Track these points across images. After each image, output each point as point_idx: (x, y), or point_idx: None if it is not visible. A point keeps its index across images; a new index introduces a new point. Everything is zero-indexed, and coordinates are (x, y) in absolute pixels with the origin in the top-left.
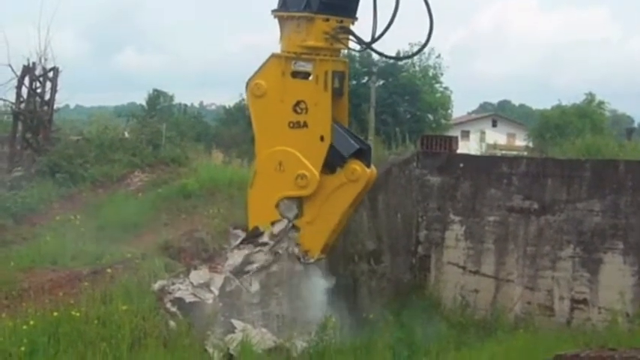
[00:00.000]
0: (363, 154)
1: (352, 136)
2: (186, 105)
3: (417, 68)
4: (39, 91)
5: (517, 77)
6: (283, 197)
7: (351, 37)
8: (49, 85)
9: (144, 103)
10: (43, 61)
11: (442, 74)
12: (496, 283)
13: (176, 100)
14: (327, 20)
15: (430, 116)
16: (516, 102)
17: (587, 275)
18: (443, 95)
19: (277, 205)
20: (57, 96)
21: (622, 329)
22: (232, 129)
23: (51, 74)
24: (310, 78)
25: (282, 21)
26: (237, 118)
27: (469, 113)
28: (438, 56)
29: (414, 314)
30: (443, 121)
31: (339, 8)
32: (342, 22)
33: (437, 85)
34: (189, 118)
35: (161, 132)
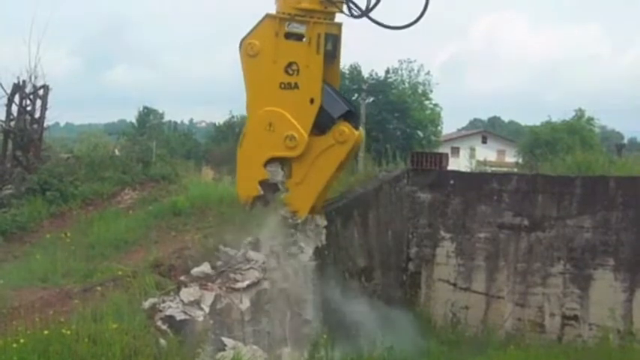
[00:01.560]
0: (351, 116)
1: (341, 97)
2: (176, 122)
3: (407, 85)
4: (29, 108)
5: (507, 94)
6: (271, 157)
7: (349, 4)
8: (39, 102)
9: (134, 120)
10: (33, 78)
11: (432, 91)
12: (487, 299)
13: (166, 118)
14: None
15: (420, 133)
16: (506, 118)
17: (577, 292)
18: (433, 112)
19: (265, 165)
20: (47, 114)
21: (613, 346)
22: (222, 146)
23: (41, 92)
24: (303, 40)
25: None
26: (227, 136)
27: (459, 130)
28: (428, 73)
29: (404, 331)
30: (433, 137)
31: None
32: None
33: (427, 102)
34: (179, 136)
35: (151, 149)
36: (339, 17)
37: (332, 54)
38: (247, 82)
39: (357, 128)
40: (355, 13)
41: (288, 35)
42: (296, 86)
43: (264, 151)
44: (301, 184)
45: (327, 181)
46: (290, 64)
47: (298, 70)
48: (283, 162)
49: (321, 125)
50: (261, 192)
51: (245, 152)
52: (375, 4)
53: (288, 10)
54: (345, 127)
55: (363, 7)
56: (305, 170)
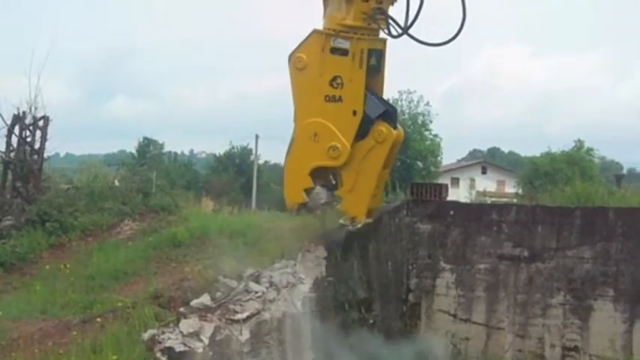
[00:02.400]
0: (389, 116)
1: (379, 98)
2: (176, 153)
3: (407, 116)
4: (29, 139)
5: (506, 124)
6: (316, 166)
7: (389, 21)
8: (39, 133)
9: (134, 151)
10: (33, 109)
11: (431, 121)
12: (487, 330)
13: (166, 148)
14: (366, 1)
15: (420, 163)
16: (505, 149)
17: (577, 322)
18: (432, 142)
19: (310, 173)
20: (47, 144)
21: None
22: (222, 177)
23: (41, 123)
24: (348, 55)
25: None
26: (227, 166)
27: (459, 160)
28: (427, 104)
29: None
30: (432, 168)
31: None
32: (381, 3)
33: (426, 133)
34: (179, 166)
35: (151, 180)
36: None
37: (376, 68)
38: (295, 93)
39: (395, 127)
40: (395, 33)
41: (334, 50)
42: (340, 99)
43: (309, 161)
44: (353, 191)
45: (375, 182)
46: (335, 78)
47: (342, 84)
48: (334, 172)
49: (363, 128)
50: (306, 199)
51: (291, 161)
52: (413, 22)
53: (333, 27)
54: (383, 127)
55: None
56: (354, 176)
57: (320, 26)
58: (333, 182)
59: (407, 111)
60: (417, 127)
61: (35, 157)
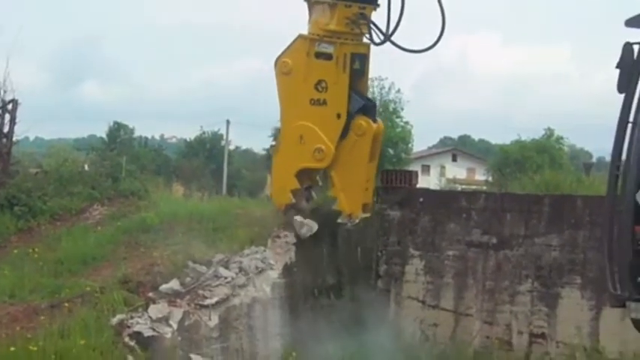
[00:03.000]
0: (369, 110)
1: (358, 93)
2: (146, 138)
3: (378, 103)
4: None
5: (477, 112)
6: (302, 167)
7: (371, 26)
8: (7, 117)
9: (104, 135)
10: (2, 93)
11: (402, 109)
12: (455, 317)
13: (137, 133)
14: (349, 7)
15: (391, 150)
16: (476, 137)
17: (545, 309)
18: (403, 130)
19: (297, 175)
20: (16, 128)
21: None
22: (193, 162)
23: (10, 106)
24: (332, 59)
25: (310, 5)
26: (197, 151)
27: (429, 148)
28: (398, 91)
29: (374, 348)
30: (403, 155)
31: None
32: (364, 8)
33: (397, 120)
34: (149, 151)
35: (121, 165)
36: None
37: (360, 71)
38: (280, 97)
39: (374, 121)
40: (377, 40)
41: (318, 55)
42: (324, 102)
43: (295, 162)
44: (345, 189)
45: (365, 176)
46: (319, 82)
47: (327, 88)
48: (324, 173)
49: (345, 126)
50: (293, 200)
51: (278, 163)
52: (395, 29)
53: (317, 32)
54: (362, 121)
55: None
56: (343, 175)
57: (304, 31)
58: (320, 184)
59: (378, 98)
60: (388, 114)
61: (4, 140)
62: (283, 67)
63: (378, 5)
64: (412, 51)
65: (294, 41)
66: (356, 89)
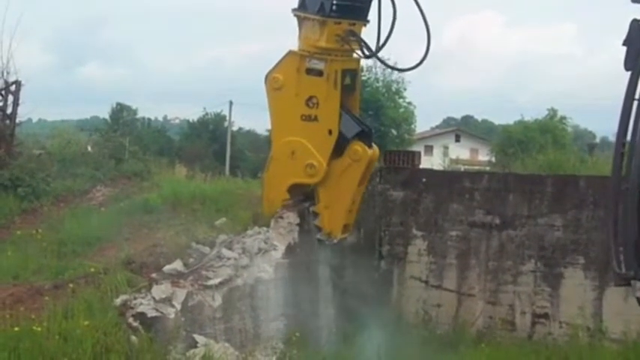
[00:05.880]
0: (365, 136)
1: (355, 119)
2: (149, 119)
3: (381, 83)
4: (1, 104)
5: (480, 93)
6: (294, 183)
7: (362, 44)
8: (11, 98)
9: (107, 116)
10: (5, 74)
11: (405, 89)
12: (458, 297)
13: (140, 114)
14: (339, 23)
15: (394, 131)
16: (479, 117)
17: (548, 290)
18: (406, 110)
19: (288, 190)
20: (19, 109)
21: (582, 343)
22: (196, 143)
23: (13, 87)
24: (323, 76)
25: (300, 21)
26: (200, 133)
27: (432, 128)
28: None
29: (376, 329)
30: (407, 136)
31: (350, 11)
32: (353, 25)
33: (400, 100)
34: (152, 132)
35: (124, 146)
36: None
37: (351, 87)
38: (272, 112)
39: (370, 147)
40: (367, 53)
41: (309, 71)
42: (315, 118)
43: (287, 177)
44: (329, 207)
45: (351, 199)
46: (310, 98)
47: (318, 104)
48: (312, 189)
49: (339, 147)
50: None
51: (270, 177)
52: (383, 45)
53: (308, 48)
54: (358, 147)
55: (374, 47)
56: (330, 193)
57: (295, 47)
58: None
59: (381, 78)
60: (391, 94)
61: (7, 122)
62: (274, 83)
63: (368, 21)
64: (399, 69)
65: (284, 57)
66: (348, 107)
